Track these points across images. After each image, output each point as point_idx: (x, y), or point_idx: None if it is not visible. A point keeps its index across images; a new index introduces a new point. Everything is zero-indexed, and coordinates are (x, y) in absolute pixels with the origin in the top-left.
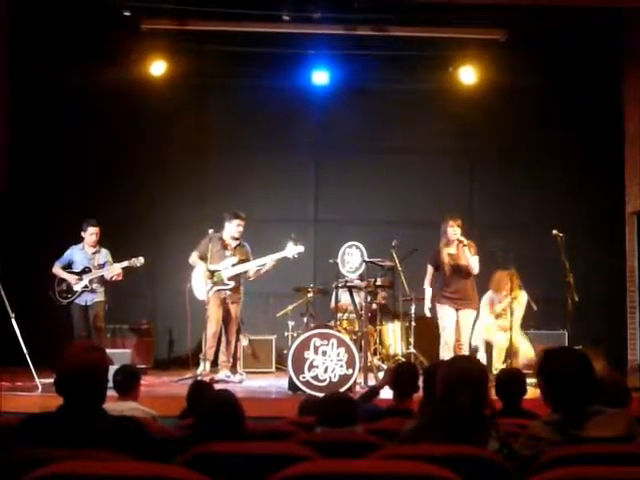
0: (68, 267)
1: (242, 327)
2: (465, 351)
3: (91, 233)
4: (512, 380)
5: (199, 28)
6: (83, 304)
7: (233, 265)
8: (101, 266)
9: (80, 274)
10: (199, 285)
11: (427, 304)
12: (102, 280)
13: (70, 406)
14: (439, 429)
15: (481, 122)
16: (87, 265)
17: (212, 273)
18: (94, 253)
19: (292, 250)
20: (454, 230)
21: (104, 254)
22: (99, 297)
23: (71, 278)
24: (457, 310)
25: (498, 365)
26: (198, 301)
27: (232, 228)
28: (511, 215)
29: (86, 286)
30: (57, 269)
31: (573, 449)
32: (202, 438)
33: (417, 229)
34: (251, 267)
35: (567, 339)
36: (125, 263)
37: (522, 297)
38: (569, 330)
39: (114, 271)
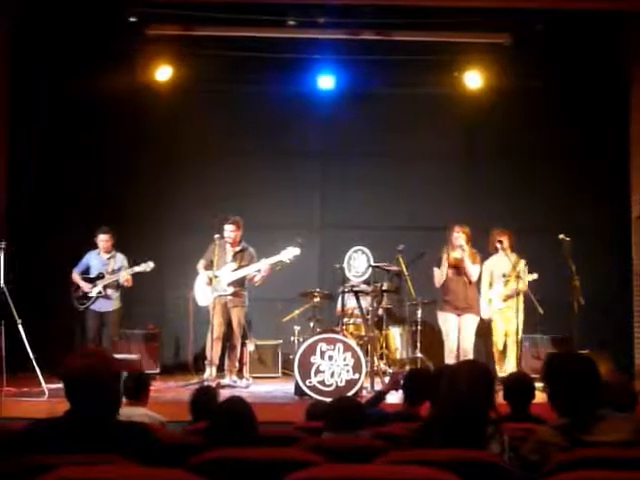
0: (86, 273)
1: (248, 332)
2: (469, 357)
3: (101, 240)
4: (520, 385)
5: (205, 34)
6: (97, 310)
7: (233, 271)
8: (115, 271)
9: (94, 280)
10: (200, 292)
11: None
12: (117, 285)
13: (77, 411)
14: (442, 431)
15: (487, 126)
16: (101, 271)
17: (211, 279)
18: (109, 258)
19: (288, 253)
20: (458, 236)
21: (120, 259)
22: (115, 304)
23: (85, 285)
24: (459, 316)
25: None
26: (202, 307)
27: (224, 233)
28: (517, 219)
29: (100, 292)
30: (75, 275)
31: (580, 453)
32: (215, 443)
33: (423, 233)
34: (249, 272)
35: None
36: (136, 269)
37: (521, 266)
38: (575, 334)
39: (123, 277)
